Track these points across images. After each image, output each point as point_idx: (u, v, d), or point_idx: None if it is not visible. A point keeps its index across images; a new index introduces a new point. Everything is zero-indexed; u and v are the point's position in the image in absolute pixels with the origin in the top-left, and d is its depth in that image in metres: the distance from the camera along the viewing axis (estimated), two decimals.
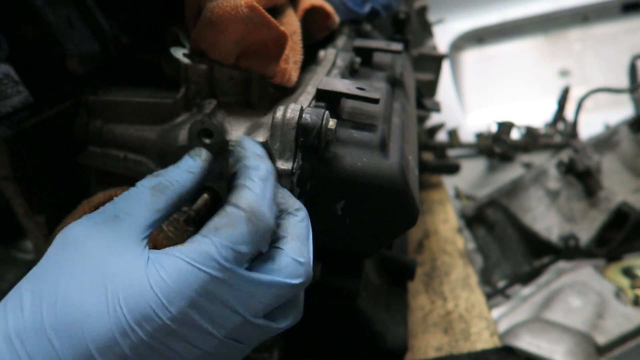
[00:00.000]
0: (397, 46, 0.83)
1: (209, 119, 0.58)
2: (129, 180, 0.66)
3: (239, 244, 0.43)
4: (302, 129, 0.54)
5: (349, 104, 0.65)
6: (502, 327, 1.21)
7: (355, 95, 0.60)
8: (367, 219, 0.58)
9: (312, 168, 0.56)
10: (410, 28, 1.36)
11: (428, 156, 1.69)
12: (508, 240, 1.63)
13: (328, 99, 0.62)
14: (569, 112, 2.06)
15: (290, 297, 0.48)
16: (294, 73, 0.70)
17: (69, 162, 0.68)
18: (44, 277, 0.41)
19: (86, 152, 0.70)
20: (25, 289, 0.40)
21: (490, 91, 2.75)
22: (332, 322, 0.73)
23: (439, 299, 1.08)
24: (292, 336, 0.71)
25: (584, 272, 1.36)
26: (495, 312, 1.31)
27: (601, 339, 1.14)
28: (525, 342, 1.07)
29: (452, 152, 1.97)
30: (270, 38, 0.64)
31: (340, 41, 0.93)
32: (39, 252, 0.66)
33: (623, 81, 2.02)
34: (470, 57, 2.88)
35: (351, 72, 0.80)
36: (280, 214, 0.51)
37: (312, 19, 0.83)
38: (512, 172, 1.94)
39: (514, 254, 1.61)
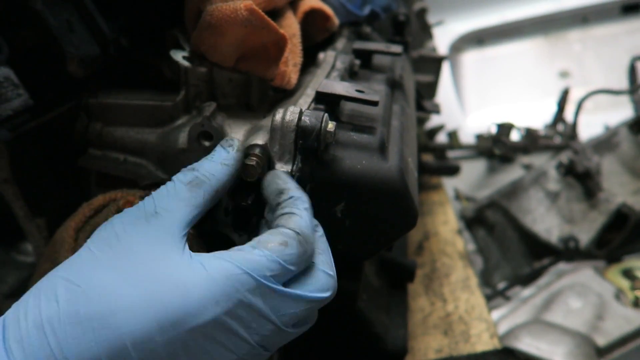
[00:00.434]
0: (397, 48, 0.83)
1: (208, 121, 0.58)
2: (129, 182, 0.67)
3: (289, 263, 0.44)
4: (301, 131, 0.54)
5: (348, 106, 0.65)
6: (502, 328, 1.21)
7: (355, 98, 0.60)
8: (366, 221, 0.58)
9: (312, 170, 0.56)
10: (410, 30, 1.36)
11: (428, 158, 1.69)
12: (508, 241, 1.63)
13: (327, 101, 0.62)
14: (569, 114, 2.06)
15: (319, 307, 0.49)
16: (293, 75, 0.70)
17: (69, 165, 0.68)
18: (82, 268, 0.41)
19: (86, 154, 0.70)
20: (61, 278, 0.40)
21: (490, 92, 2.75)
22: (332, 324, 0.73)
23: (439, 301, 1.08)
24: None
25: (584, 274, 1.36)
26: (495, 314, 1.31)
27: (601, 341, 1.14)
28: (525, 344, 1.07)
29: (451, 154, 1.97)
30: (270, 41, 0.64)
31: (340, 43, 0.93)
32: (39, 255, 0.66)
33: (623, 82, 2.02)
34: (470, 58, 2.88)
35: (351, 75, 0.80)
36: None
37: (312, 22, 0.83)
38: (512, 173, 1.95)
39: (514, 255, 1.61)
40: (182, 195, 0.47)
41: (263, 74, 0.66)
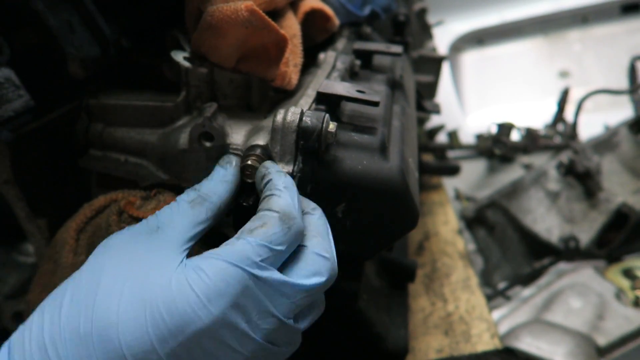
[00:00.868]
0: (397, 48, 0.83)
1: (209, 122, 0.58)
2: (130, 183, 0.67)
3: (274, 244, 0.44)
4: (302, 132, 0.54)
5: (349, 106, 0.65)
6: (503, 328, 1.21)
7: (356, 98, 0.60)
8: (367, 221, 0.58)
9: (313, 171, 0.56)
10: (410, 30, 1.36)
11: (428, 158, 1.69)
12: (508, 241, 1.63)
13: (328, 102, 0.62)
14: (569, 114, 2.06)
15: (318, 295, 0.49)
16: (294, 76, 0.70)
17: (70, 166, 0.68)
18: (83, 282, 0.42)
19: (87, 155, 0.70)
20: (65, 293, 0.41)
21: (489, 92, 2.75)
22: (333, 325, 0.73)
23: (440, 301, 1.08)
24: None
25: (584, 274, 1.36)
26: (496, 314, 1.31)
27: (602, 340, 1.14)
28: (526, 344, 1.07)
29: (452, 154, 1.97)
30: (271, 41, 0.64)
31: (340, 44, 0.93)
32: (40, 256, 0.66)
33: (623, 82, 2.02)
34: (470, 58, 2.88)
35: (351, 75, 0.80)
36: None
37: (312, 22, 0.83)
38: (512, 173, 1.95)
39: (514, 255, 1.61)
40: (186, 212, 0.48)
41: (264, 74, 0.66)
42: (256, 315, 0.42)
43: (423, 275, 1.16)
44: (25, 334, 0.39)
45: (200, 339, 0.39)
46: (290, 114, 0.55)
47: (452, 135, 1.95)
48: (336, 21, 0.87)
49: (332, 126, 0.55)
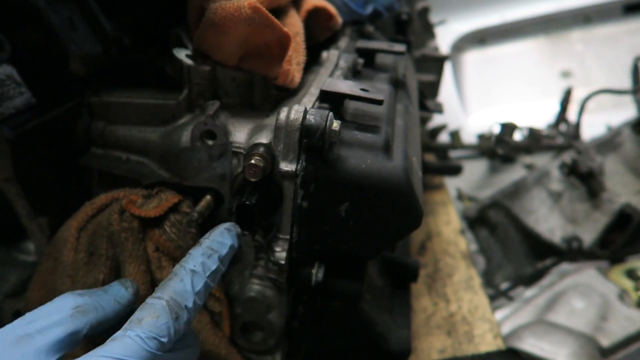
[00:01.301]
0: (400, 47, 0.83)
1: (212, 120, 0.58)
2: (132, 182, 0.66)
3: (161, 336, 0.42)
4: (305, 130, 0.54)
5: (352, 105, 0.65)
6: (505, 329, 1.20)
7: (359, 97, 0.60)
8: (370, 220, 0.58)
9: (316, 170, 0.56)
10: (413, 29, 1.36)
11: (430, 157, 1.68)
12: (510, 241, 1.62)
13: (331, 100, 0.62)
14: (571, 114, 2.05)
15: None
16: (297, 74, 0.69)
17: (71, 164, 0.68)
18: None
19: (88, 153, 0.70)
20: None
21: (491, 92, 2.75)
22: (335, 325, 0.72)
23: (442, 301, 1.07)
24: (295, 339, 0.70)
25: (587, 274, 1.35)
26: (498, 314, 1.30)
27: (605, 341, 1.13)
28: (529, 345, 1.06)
29: (453, 154, 1.97)
30: (273, 39, 0.63)
31: (343, 42, 0.92)
32: (41, 255, 0.66)
33: (625, 82, 2.01)
34: (472, 58, 2.88)
35: (354, 74, 0.79)
36: None
37: (315, 20, 0.83)
38: (514, 173, 1.94)
39: (517, 255, 1.60)
40: (63, 318, 0.45)
41: (266, 72, 0.66)
42: None
43: (425, 275, 1.15)
44: None
45: None
46: (293, 112, 0.54)
47: (454, 135, 1.94)
48: (339, 19, 0.87)
49: (335, 124, 0.54)
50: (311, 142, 0.54)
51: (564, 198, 1.59)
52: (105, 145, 0.69)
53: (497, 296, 1.48)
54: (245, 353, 0.70)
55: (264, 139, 0.57)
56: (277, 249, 0.61)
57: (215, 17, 0.59)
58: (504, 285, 1.54)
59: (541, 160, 1.93)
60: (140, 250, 0.61)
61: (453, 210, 1.44)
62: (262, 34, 0.62)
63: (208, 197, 0.61)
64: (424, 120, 1.60)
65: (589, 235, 1.52)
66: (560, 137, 1.97)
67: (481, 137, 2.02)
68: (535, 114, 2.48)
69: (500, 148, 1.85)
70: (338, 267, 0.65)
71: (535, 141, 1.87)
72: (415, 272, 0.91)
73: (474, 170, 2.09)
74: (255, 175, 0.54)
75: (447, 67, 1.88)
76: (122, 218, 0.60)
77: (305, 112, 0.54)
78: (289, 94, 0.70)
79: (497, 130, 1.93)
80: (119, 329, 0.43)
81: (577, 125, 1.88)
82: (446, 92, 2.33)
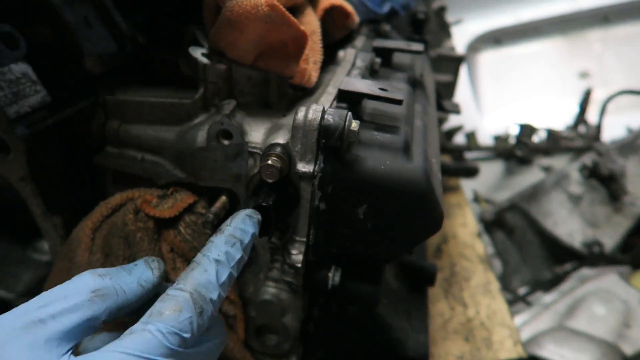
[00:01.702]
0: (418, 46, 0.81)
1: (228, 119, 0.57)
2: (147, 181, 0.65)
3: (185, 331, 0.40)
4: (324, 130, 0.52)
5: (369, 105, 0.63)
6: (524, 335, 1.17)
7: (378, 96, 0.58)
8: (389, 223, 0.56)
9: (334, 171, 0.54)
10: (429, 28, 1.34)
11: (445, 159, 1.66)
12: (528, 245, 1.59)
13: (349, 99, 0.60)
14: (590, 115, 2.01)
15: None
16: (313, 73, 0.68)
17: (86, 163, 0.67)
18: None
19: (103, 152, 0.69)
20: None
21: (507, 93, 2.71)
22: (351, 329, 0.71)
23: (459, 306, 1.05)
24: (310, 343, 0.69)
25: (609, 279, 1.32)
26: (517, 320, 1.27)
27: (628, 349, 1.10)
28: (549, 352, 1.04)
29: (468, 155, 1.94)
30: (290, 37, 0.62)
31: (359, 41, 0.91)
32: (55, 254, 0.65)
33: None
34: (487, 58, 2.84)
35: (371, 73, 0.78)
36: None
37: (331, 19, 0.82)
38: (531, 175, 1.90)
39: (534, 259, 1.57)
40: (80, 304, 0.41)
41: (282, 71, 0.64)
42: None
43: (442, 279, 1.13)
44: None
45: None
46: (311, 112, 0.53)
47: (470, 136, 1.92)
48: (356, 18, 0.85)
49: (354, 124, 0.53)
50: (329, 142, 0.53)
51: (584, 201, 1.56)
52: (120, 144, 0.68)
53: (515, 301, 1.45)
54: (259, 356, 0.69)
55: (280, 139, 0.56)
56: (294, 251, 0.60)
57: (231, 14, 0.58)
58: (521, 290, 1.51)
59: (559, 162, 1.89)
60: (156, 250, 0.60)
61: (470, 212, 1.41)
62: (279, 32, 0.61)
63: (223, 197, 0.60)
64: (440, 121, 1.58)
65: (610, 239, 1.48)
66: (579, 139, 1.93)
67: (497, 138, 1.98)
68: (552, 115, 2.44)
69: (519, 150, 1.81)
70: (355, 271, 0.63)
71: (555, 143, 1.83)
72: (432, 276, 0.90)
73: (489, 172, 2.05)
74: (272, 176, 0.52)
75: (462, 68, 1.85)
76: (137, 218, 0.59)
77: (324, 111, 0.53)
78: (305, 93, 0.69)
79: (513, 131, 1.90)
80: (140, 313, 0.41)
81: (598, 127, 1.84)
82: (461, 92, 2.30)
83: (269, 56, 0.64)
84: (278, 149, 0.54)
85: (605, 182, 1.53)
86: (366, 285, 0.65)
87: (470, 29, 2.69)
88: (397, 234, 0.57)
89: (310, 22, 0.73)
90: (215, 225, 0.59)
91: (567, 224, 1.54)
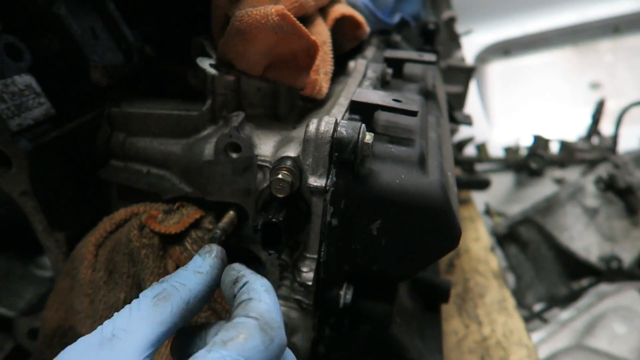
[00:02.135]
0: (430, 57, 0.79)
1: (236, 132, 0.55)
2: (152, 196, 0.63)
3: (253, 358, 0.37)
4: (337, 143, 0.50)
5: (383, 117, 0.61)
6: (542, 353, 1.13)
7: (392, 108, 0.56)
8: (404, 240, 0.54)
9: (347, 185, 0.52)
10: (439, 39, 1.32)
11: (456, 171, 1.63)
12: (542, 260, 1.55)
13: (362, 111, 0.58)
14: (603, 126, 1.98)
15: None
16: (324, 85, 0.66)
17: (90, 177, 0.66)
18: None
19: (108, 166, 0.67)
20: None
21: (516, 104, 2.69)
22: (364, 350, 0.68)
23: (474, 323, 1.01)
24: None
25: (629, 296, 1.28)
26: (533, 337, 1.23)
27: None
28: None
29: (478, 167, 1.91)
30: (301, 48, 0.60)
31: (370, 52, 0.89)
32: (57, 271, 0.63)
33: None
34: (496, 69, 2.82)
35: (383, 84, 0.76)
36: None
37: (342, 29, 0.80)
38: (543, 187, 1.87)
39: (549, 274, 1.52)
40: (145, 312, 0.40)
41: (293, 82, 0.63)
42: None
43: (455, 295, 1.09)
44: None
45: None
46: (324, 124, 0.51)
47: (481, 148, 1.89)
48: (367, 28, 0.84)
49: (368, 137, 0.51)
50: (342, 155, 0.51)
51: (601, 214, 1.52)
52: (126, 157, 0.67)
53: (530, 318, 1.40)
54: None
55: (291, 152, 0.53)
56: (304, 269, 0.57)
57: (240, 24, 0.57)
58: (537, 306, 1.46)
59: (571, 174, 1.86)
60: (162, 267, 0.58)
61: (482, 226, 1.38)
62: (289, 43, 0.59)
63: (231, 212, 0.58)
64: (451, 133, 1.56)
65: (628, 254, 1.44)
66: (593, 151, 1.89)
67: (508, 150, 1.95)
68: (563, 126, 2.40)
69: (533, 162, 1.78)
70: (367, 289, 0.61)
71: (569, 155, 1.79)
72: (446, 293, 0.87)
73: (500, 184, 2.02)
74: (283, 191, 0.50)
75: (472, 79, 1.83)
76: (142, 234, 0.57)
77: (336, 123, 0.51)
78: (316, 105, 0.67)
79: (524, 143, 1.87)
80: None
81: (614, 138, 1.81)
82: (470, 104, 2.28)
83: (278, 67, 0.63)
84: (288, 163, 0.52)
85: (622, 195, 1.49)
86: (379, 304, 0.62)
87: (478, 40, 2.68)
88: (413, 251, 0.55)
89: (321, 32, 0.71)
90: (222, 242, 0.57)
91: (583, 238, 1.49)
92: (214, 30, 0.66)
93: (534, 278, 1.53)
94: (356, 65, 0.79)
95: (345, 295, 0.58)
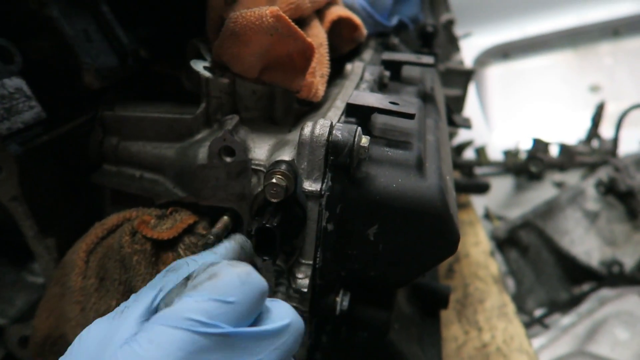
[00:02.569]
0: (429, 59, 0.78)
1: (231, 135, 0.54)
2: (145, 201, 0.62)
3: (226, 295, 0.36)
4: (332, 146, 0.49)
5: (379, 119, 0.60)
6: None
7: (389, 110, 0.55)
8: (402, 245, 0.52)
9: (343, 189, 0.51)
10: (437, 42, 1.32)
11: (455, 175, 1.62)
12: (543, 264, 1.53)
13: (359, 114, 0.57)
14: (603, 129, 1.97)
15: (291, 349, 0.40)
16: (320, 87, 0.65)
17: (82, 182, 0.65)
18: None
19: (100, 171, 0.66)
20: None
21: (516, 107, 2.68)
22: (361, 357, 0.67)
23: (474, 329, 1.00)
24: None
25: (630, 301, 1.26)
26: (534, 343, 1.21)
27: None
28: None
29: (477, 170, 1.90)
30: (296, 50, 0.59)
31: (367, 54, 0.88)
32: (48, 278, 0.62)
33: None
34: (495, 72, 2.82)
35: (380, 87, 0.75)
36: None
37: (339, 31, 0.79)
38: (543, 191, 1.86)
39: (550, 279, 1.51)
40: (155, 282, 0.42)
41: (288, 85, 0.62)
42: None
43: (454, 301, 1.08)
44: None
45: None
46: (319, 127, 0.50)
47: (480, 151, 1.88)
48: (364, 31, 0.83)
49: (364, 140, 0.50)
50: (338, 159, 0.50)
51: (601, 218, 1.50)
52: (118, 162, 0.66)
53: (531, 323, 1.39)
54: None
55: (286, 155, 0.52)
56: (300, 275, 0.56)
57: (235, 26, 0.56)
58: (537, 312, 1.45)
59: (571, 177, 1.85)
60: (154, 274, 0.57)
61: (481, 230, 1.37)
62: (285, 45, 0.58)
63: (225, 218, 0.57)
64: (450, 136, 1.55)
65: (630, 258, 1.42)
66: (593, 154, 1.88)
67: (507, 153, 1.94)
68: (562, 129, 2.40)
69: (533, 165, 1.76)
70: (365, 295, 0.60)
71: (569, 158, 1.78)
72: (445, 299, 0.85)
73: (499, 188, 2.01)
74: (277, 196, 0.49)
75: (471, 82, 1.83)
76: (134, 240, 0.56)
77: (332, 127, 0.50)
78: (312, 107, 0.66)
79: (524, 146, 1.86)
80: None
81: (614, 141, 1.79)
82: (469, 107, 2.27)
83: (274, 69, 0.62)
84: (283, 167, 0.50)
85: (623, 199, 1.48)
86: (377, 311, 0.61)
87: (477, 42, 2.67)
88: (410, 257, 0.53)
89: (317, 35, 0.71)
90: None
91: (584, 243, 1.48)
92: (209, 32, 0.65)
93: (534, 283, 1.52)
94: (353, 68, 0.78)
95: (342, 301, 0.57)
